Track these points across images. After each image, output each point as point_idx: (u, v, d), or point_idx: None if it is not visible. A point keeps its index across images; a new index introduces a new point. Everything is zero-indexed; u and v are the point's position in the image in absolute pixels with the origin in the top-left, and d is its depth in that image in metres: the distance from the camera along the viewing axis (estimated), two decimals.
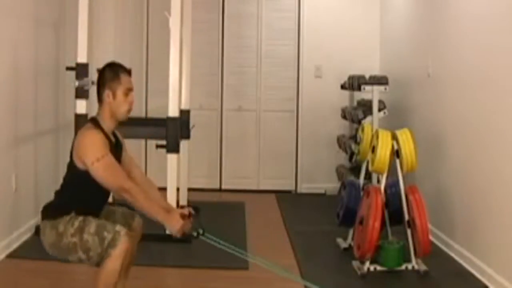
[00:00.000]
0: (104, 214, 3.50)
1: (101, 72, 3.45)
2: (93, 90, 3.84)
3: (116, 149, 3.43)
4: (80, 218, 3.31)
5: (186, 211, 3.46)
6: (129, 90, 3.41)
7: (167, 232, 3.40)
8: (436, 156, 5.55)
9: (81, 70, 5.28)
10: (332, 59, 7.68)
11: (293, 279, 4.25)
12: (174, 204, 5.50)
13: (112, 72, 3.40)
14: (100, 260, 3.27)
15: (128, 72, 3.47)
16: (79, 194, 3.37)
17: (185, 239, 5.39)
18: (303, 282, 4.30)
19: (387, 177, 4.86)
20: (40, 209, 3.47)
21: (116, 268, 3.25)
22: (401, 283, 4.62)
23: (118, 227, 3.28)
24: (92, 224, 3.29)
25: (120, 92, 3.37)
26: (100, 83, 3.41)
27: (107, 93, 3.36)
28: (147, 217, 3.38)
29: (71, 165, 3.36)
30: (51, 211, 3.39)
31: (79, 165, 3.30)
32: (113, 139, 3.43)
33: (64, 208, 3.35)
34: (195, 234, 3.47)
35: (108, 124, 3.39)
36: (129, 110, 3.42)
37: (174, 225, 3.32)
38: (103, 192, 3.40)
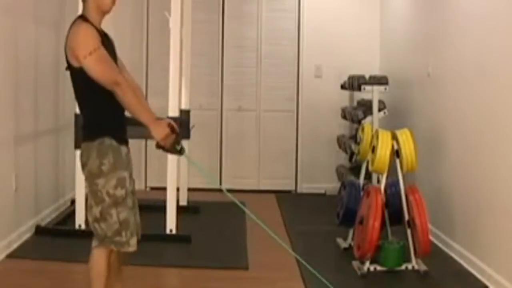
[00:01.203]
0: (133, 201, 3.42)
1: None
2: None
3: (108, 43, 3.35)
4: (124, 191, 3.26)
5: (173, 123, 3.34)
6: None
7: (154, 141, 3.31)
8: (436, 156, 5.55)
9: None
10: (332, 59, 7.68)
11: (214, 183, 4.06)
12: (174, 204, 5.50)
13: None
14: (98, 237, 3.28)
15: None
16: (96, 102, 3.28)
17: (186, 237, 5.42)
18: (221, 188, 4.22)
19: (387, 177, 4.86)
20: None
21: (103, 265, 3.29)
22: (401, 283, 4.62)
23: (133, 241, 3.31)
24: (125, 211, 3.27)
25: None
26: None
27: None
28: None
29: (69, 67, 3.30)
30: (89, 132, 3.32)
31: (74, 63, 3.24)
32: (103, 36, 3.35)
33: (97, 126, 3.29)
34: (178, 147, 3.33)
35: (95, 18, 3.30)
36: (114, 1, 3.34)
37: (159, 131, 3.22)
38: (111, 95, 3.27)
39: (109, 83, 3.18)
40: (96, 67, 3.17)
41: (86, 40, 3.19)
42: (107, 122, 3.31)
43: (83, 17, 3.31)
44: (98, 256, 3.31)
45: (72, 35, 3.26)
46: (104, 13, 3.35)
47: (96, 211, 3.27)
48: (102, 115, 3.31)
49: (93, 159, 3.26)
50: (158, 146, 3.33)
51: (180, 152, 3.38)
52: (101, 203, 3.26)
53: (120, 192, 3.27)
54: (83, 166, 3.33)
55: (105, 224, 3.26)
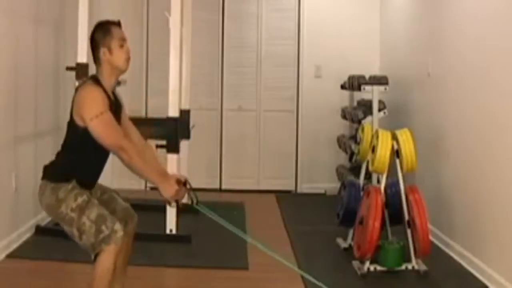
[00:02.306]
0: (107, 198, 3.48)
1: (92, 34, 3.41)
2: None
3: (115, 108, 3.39)
4: (84, 196, 3.30)
5: (182, 178, 3.40)
6: (123, 40, 3.37)
7: (162, 196, 3.34)
8: (436, 156, 5.55)
9: (81, 70, 5.29)
10: (332, 59, 7.68)
11: (289, 265, 4.18)
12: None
13: (102, 30, 3.37)
14: (90, 249, 3.27)
15: (118, 24, 3.42)
16: (79, 155, 3.35)
17: (186, 237, 5.42)
18: (299, 272, 4.28)
19: (387, 177, 4.85)
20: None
21: (109, 265, 3.24)
22: (401, 283, 4.62)
23: (117, 226, 3.26)
24: (94, 210, 3.28)
25: (115, 45, 3.34)
26: (94, 45, 3.37)
27: (103, 52, 3.33)
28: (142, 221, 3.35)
29: (71, 123, 3.34)
30: (52, 172, 3.39)
31: (79, 122, 3.28)
32: (113, 98, 3.39)
33: (64, 172, 3.35)
34: (189, 202, 3.39)
35: (108, 81, 3.35)
36: (128, 59, 3.38)
37: (168, 189, 3.27)
38: (103, 153, 3.36)
39: (113, 147, 3.24)
40: (101, 130, 3.23)
41: (94, 103, 3.23)
42: (76, 177, 3.35)
43: (95, 79, 3.34)
44: (107, 256, 3.26)
45: (80, 96, 3.30)
46: (119, 73, 3.40)
47: (75, 231, 3.29)
48: (75, 169, 3.36)
49: (48, 195, 3.35)
50: (171, 205, 3.38)
51: (197, 203, 3.42)
52: (73, 222, 3.28)
53: (80, 199, 3.29)
54: (40, 202, 3.43)
55: (86, 234, 3.26)
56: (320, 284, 3.72)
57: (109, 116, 3.24)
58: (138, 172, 3.27)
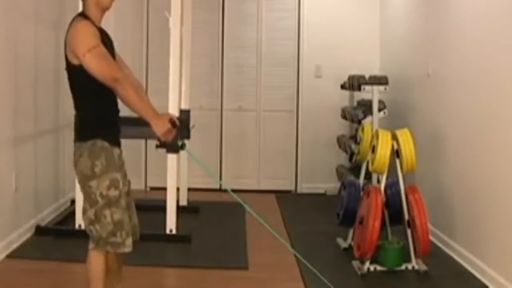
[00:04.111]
0: (129, 201, 3.43)
1: None
2: None
3: (107, 41, 3.36)
4: (117, 192, 3.25)
5: (175, 118, 3.34)
6: None
7: (156, 140, 3.29)
8: (436, 156, 5.55)
9: None
10: (332, 59, 7.68)
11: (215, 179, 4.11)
12: (173, 204, 5.50)
13: None
14: (94, 239, 3.27)
15: None
16: (89, 100, 3.29)
17: (186, 237, 5.42)
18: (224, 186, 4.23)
19: (387, 177, 4.86)
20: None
21: (101, 265, 3.29)
22: (401, 283, 4.62)
23: (129, 241, 3.29)
24: (119, 212, 3.26)
25: None
26: None
27: None
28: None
29: (68, 65, 3.30)
30: (80, 131, 3.34)
31: (73, 60, 3.24)
32: (103, 34, 3.35)
33: (90, 126, 3.30)
34: (180, 143, 3.37)
35: (95, 15, 3.31)
36: None
37: (160, 126, 3.21)
38: (108, 91, 3.27)
39: (109, 79, 3.17)
40: (95, 64, 3.16)
41: (86, 37, 3.18)
42: (100, 124, 3.31)
43: (83, 15, 3.30)
44: (95, 258, 3.31)
45: (72, 33, 3.26)
46: (104, 9, 3.35)
47: (91, 213, 3.27)
48: (96, 116, 3.31)
49: (85, 159, 3.27)
50: (159, 145, 3.33)
51: (182, 147, 3.39)
52: (95, 205, 3.25)
53: (113, 193, 3.26)
54: (75, 164, 3.33)
55: (100, 225, 3.25)
56: (315, 271, 3.73)
57: (102, 49, 3.19)
58: (132, 106, 3.21)
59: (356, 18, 7.76)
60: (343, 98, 7.44)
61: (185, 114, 6.23)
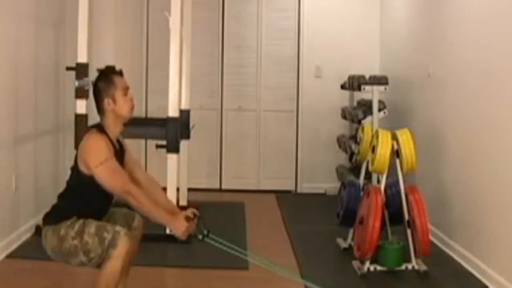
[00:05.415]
0: (105, 217, 3.51)
1: (95, 84, 3.46)
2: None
3: (120, 155, 3.46)
4: (80, 221, 3.33)
5: (190, 213, 3.45)
6: (126, 89, 3.43)
7: (168, 231, 3.40)
8: (436, 156, 5.55)
9: (81, 70, 5.28)
10: (332, 59, 7.68)
11: (293, 278, 4.24)
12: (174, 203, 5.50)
13: (104, 80, 3.42)
14: (101, 261, 3.28)
15: (120, 73, 3.48)
16: (83, 199, 3.38)
17: (186, 240, 5.41)
18: (303, 282, 4.29)
19: (387, 177, 4.86)
20: (42, 215, 3.48)
21: (117, 268, 3.25)
22: (401, 283, 4.62)
23: (118, 227, 3.30)
24: (92, 225, 3.30)
25: (118, 95, 3.39)
26: (97, 95, 3.43)
27: (107, 102, 3.38)
28: (148, 218, 3.38)
29: (76, 170, 3.38)
30: (53, 217, 3.41)
31: (84, 169, 3.32)
32: (117, 146, 3.46)
33: (66, 213, 3.36)
34: (200, 236, 3.46)
35: (113, 130, 3.41)
36: (132, 107, 3.44)
37: (178, 228, 3.32)
38: (107, 197, 3.42)
39: (121, 192, 3.28)
40: (107, 177, 3.27)
41: (98, 151, 3.28)
42: (77, 215, 3.36)
43: (99, 127, 3.39)
44: (114, 261, 3.27)
45: (84, 145, 3.35)
46: (124, 121, 3.44)
47: (82, 257, 3.30)
48: (77, 210, 3.37)
49: (50, 238, 3.35)
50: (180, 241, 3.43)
51: (203, 238, 3.47)
52: (77, 249, 3.29)
53: (77, 225, 3.31)
54: (45, 249, 3.42)
55: (92, 251, 3.28)
56: None
57: (114, 162, 3.30)
58: (146, 215, 3.33)
59: (356, 18, 7.76)
60: (343, 98, 7.44)
61: (185, 114, 6.24)
